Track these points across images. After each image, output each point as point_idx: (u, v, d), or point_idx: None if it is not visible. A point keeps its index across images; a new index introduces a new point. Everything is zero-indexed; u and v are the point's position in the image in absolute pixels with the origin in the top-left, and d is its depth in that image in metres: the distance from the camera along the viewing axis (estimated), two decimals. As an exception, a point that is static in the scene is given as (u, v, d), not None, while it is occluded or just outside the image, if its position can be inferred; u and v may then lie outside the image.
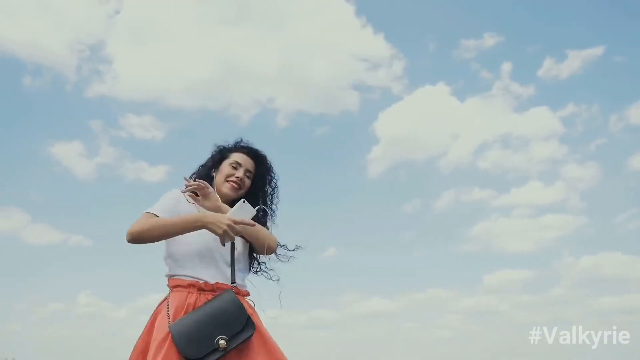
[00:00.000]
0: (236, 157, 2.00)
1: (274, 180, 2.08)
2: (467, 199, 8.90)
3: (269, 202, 2.04)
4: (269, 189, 2.06)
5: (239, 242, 1.87)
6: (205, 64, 8.78)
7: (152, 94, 8.78)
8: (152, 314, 1.75)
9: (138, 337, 1.71)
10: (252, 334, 1.61)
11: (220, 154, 2.04)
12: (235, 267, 1.79)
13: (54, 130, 8.57)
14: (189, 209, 1.86)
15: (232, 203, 1.93)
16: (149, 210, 1.79)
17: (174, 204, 1.84)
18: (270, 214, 2.03)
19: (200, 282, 1.72)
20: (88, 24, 8.49)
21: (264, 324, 1.76)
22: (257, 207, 1.81)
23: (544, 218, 8.46)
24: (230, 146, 2.07)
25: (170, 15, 8.61)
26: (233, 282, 1.75)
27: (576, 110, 8.42)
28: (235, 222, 1.66)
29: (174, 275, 1.78)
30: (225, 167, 1.98)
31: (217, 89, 8.76)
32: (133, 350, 1.68)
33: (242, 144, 2.07)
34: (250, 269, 1.97)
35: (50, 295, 7.79)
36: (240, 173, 1.96)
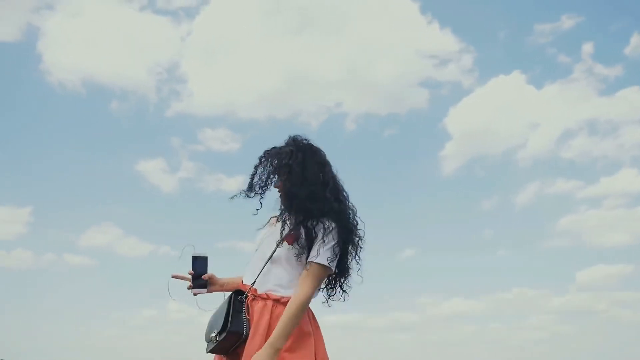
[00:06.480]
0: None
1: None
2: (551, 191, 8.41)
3: None
4: None
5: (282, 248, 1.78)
6: (272, 75, 9.07)
7: (225, 108, 9.23)
8: None
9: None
10: (234, 331, 1.69)
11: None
12: (272, 271, 1.77)
13: (139, 149, 9.28)
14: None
15: None
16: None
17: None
18: None
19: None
20: (163, 47, 9.11)
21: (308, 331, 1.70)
22: None
23: (641, 208, 7.79)
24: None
25: (237, 32, 9.00)
26: (252, 283, 1.78)
27: (673, 87, 7.68)
28: None
29: None
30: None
31: (285, 98, 9.01)
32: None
33: None
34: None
35: (143, 303, 8.42)
36: None
